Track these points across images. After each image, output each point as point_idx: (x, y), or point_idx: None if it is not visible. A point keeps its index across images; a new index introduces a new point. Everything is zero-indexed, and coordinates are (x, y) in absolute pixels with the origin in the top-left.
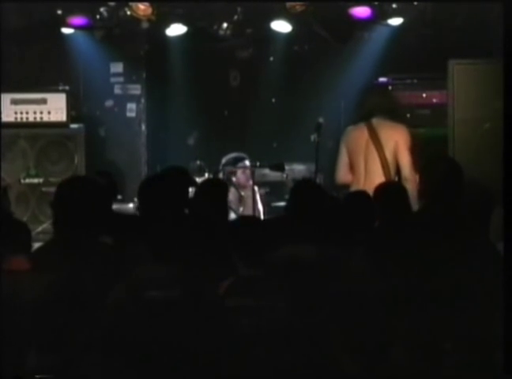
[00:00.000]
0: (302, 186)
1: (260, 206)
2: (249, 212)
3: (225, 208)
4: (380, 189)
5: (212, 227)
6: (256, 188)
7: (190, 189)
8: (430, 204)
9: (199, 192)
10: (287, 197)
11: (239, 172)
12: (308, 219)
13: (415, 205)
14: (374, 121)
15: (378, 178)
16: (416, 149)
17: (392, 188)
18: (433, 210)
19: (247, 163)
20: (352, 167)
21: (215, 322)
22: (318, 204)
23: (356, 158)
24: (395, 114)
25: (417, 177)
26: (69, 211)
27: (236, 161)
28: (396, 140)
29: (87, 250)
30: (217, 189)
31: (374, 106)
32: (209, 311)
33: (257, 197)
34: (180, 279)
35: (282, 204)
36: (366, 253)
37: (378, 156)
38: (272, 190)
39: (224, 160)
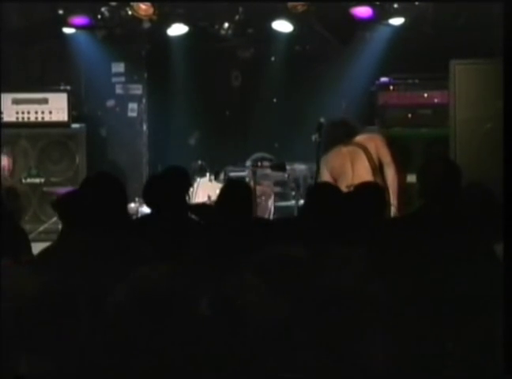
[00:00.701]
0: (319, 190)
1: (272, 207)
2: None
3: (249, 211)
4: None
5: (221, 228)
6: (270, 189)
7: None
8: (428, 204)
9: (223, 194)
10: (288, 196)
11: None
12: (320, 221)
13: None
14: (347, 141)
15: (365, 171)
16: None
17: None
18: (431, 210)
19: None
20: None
21: (216, 322)
22: (333, 207)
23: (342, 168)
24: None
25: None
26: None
27: (261, 161)
28: (374, 140)
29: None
30: (241, 192)
31: (341, 135)
32: (213, 311)
33: (272, 198)
34: (181, 278)
35: (284, 203)
36: (365, 253)
37: (363, 153)
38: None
39: (249, 161)
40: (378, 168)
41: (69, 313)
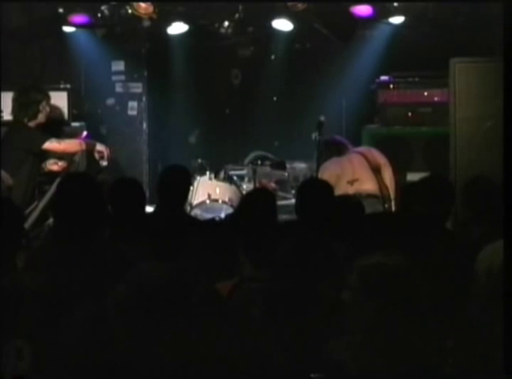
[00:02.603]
0: (307, 186)
1: None
2: None
3: (273, 217)
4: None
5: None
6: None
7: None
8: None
9: (245, 202)
10: (288, 195)
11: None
12: (316, 219)
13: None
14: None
15: (365, 169)
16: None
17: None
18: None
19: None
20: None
21: (214, 320)
22: (326, 204)
23: (341, 168)
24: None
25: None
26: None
27: (260, 160)
28: (368, 149)
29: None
30: (264, 199)
31: (333, 153)
32: (208, 309)
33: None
34: (178, 277)
35: (284, 203)
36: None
37: (361, 156)
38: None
39: (247, 159)
40: (377, 169)
41: (66, 312)
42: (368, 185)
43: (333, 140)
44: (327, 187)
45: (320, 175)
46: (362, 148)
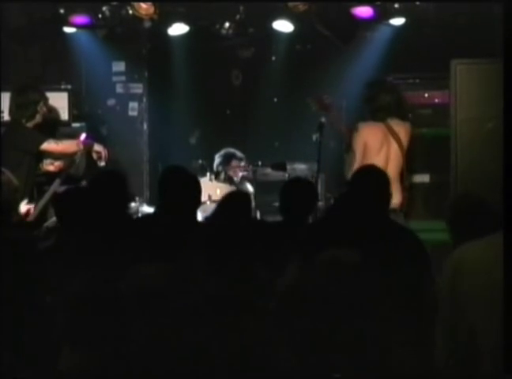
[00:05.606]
0: (291, 186)
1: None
2: None
3: (248, 220)
4: None
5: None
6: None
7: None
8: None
9: (222, 204)
10: None
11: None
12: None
13: None
14: (389, 120)
15: (398, 165)
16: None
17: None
18: None
19: (238, 158)
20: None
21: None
22: (309, 204)
23: (375, 152)
24: (404, 111)
25: None
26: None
27: (229, 157)
28: (408, 134)
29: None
30: (240, 202)
31: (387, 105)
32: (203, 310)
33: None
34: (175, 278)
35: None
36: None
37: (398, 147)
38: (273, 190)
39: (218, 156)
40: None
41: (67, 309)
42: (395, 198)
43: (392, 87)
44: (310, 187)
45: (357, 136)
46: (401, 130)
